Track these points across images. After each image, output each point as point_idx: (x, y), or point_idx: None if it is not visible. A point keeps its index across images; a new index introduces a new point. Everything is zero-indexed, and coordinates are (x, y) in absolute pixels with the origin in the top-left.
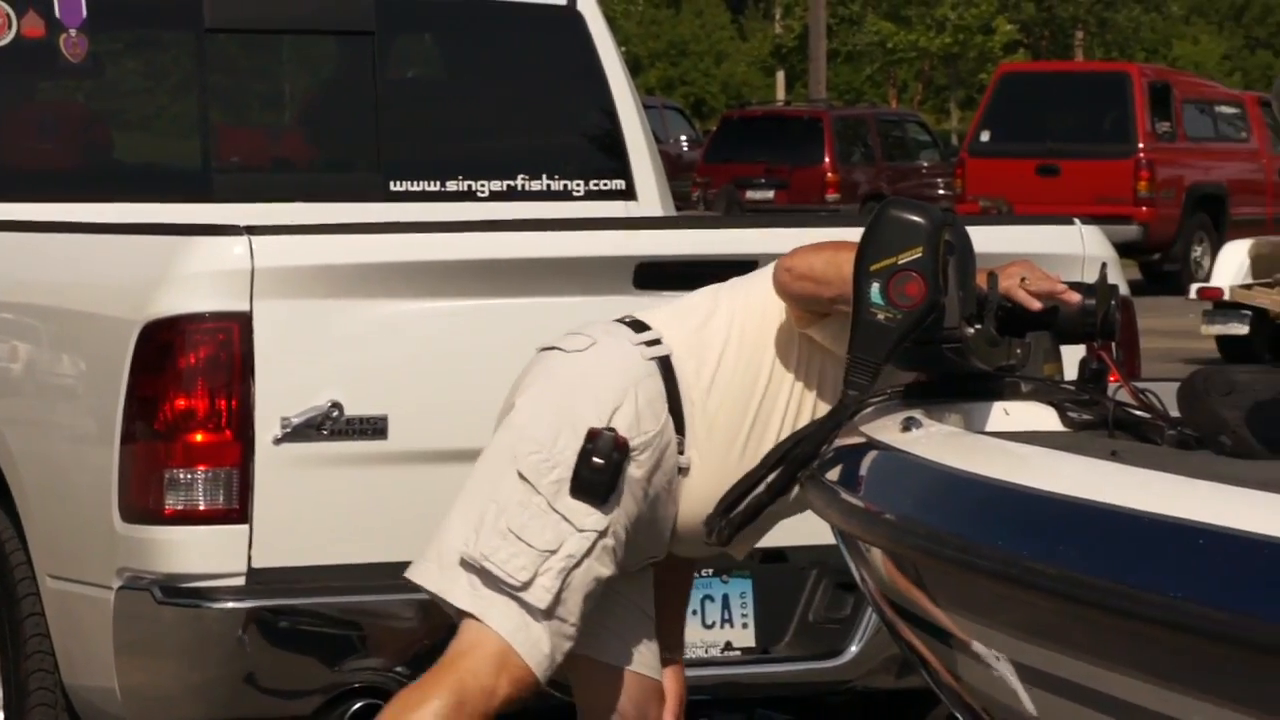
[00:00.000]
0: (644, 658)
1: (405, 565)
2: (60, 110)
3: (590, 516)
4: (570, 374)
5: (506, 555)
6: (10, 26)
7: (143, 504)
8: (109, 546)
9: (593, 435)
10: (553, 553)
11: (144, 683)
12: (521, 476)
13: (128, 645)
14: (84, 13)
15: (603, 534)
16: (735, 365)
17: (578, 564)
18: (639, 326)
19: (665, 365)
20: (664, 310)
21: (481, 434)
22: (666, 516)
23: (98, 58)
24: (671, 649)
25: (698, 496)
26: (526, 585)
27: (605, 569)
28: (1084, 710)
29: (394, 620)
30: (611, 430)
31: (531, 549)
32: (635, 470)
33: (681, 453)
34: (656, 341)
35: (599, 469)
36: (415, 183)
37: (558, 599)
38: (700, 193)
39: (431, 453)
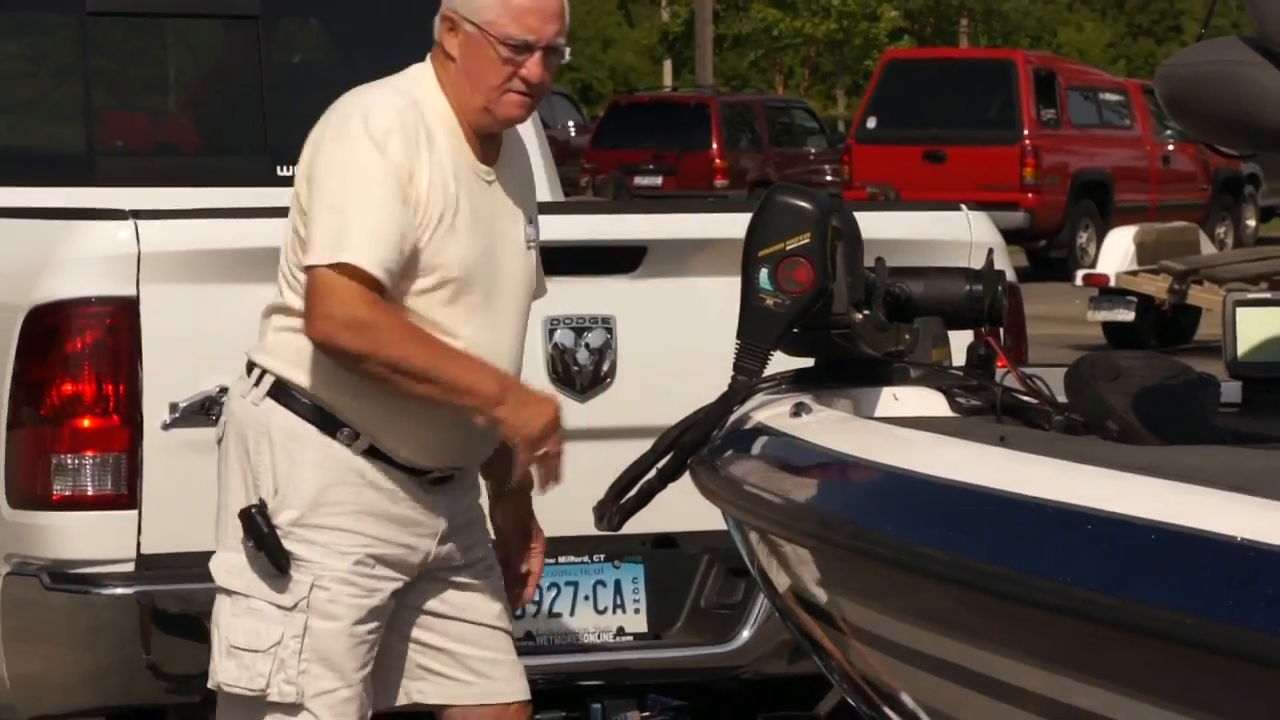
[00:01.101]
0: (477, 688)
1: None
2: None
3: (288, 589)
4: (223, 469)
5: (238, 673)
6: None
7: (30, 490)
8: None
9: (242, 519)
10: (278, 643)
11: (33, 670)
12: (226, 591)
13: (16, 631)
14: None
15: (311, 592)
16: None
17: (304, 635)
18: (250, 368)
19: (281, 391)
20: (265, 321)
21: None
22: (395, 504)
23: None
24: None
25: (419, 440)
26: (266, 688)
27: (350, 613)
28: (972, 694)
29: None
30: (255, 505)
31: (260, 653)
32: (295, 513)
33: (356, 439)
34: (261, 376)
35: (261, 545)
36: None
37: (305, 677)
38: (588, 179)
39: None
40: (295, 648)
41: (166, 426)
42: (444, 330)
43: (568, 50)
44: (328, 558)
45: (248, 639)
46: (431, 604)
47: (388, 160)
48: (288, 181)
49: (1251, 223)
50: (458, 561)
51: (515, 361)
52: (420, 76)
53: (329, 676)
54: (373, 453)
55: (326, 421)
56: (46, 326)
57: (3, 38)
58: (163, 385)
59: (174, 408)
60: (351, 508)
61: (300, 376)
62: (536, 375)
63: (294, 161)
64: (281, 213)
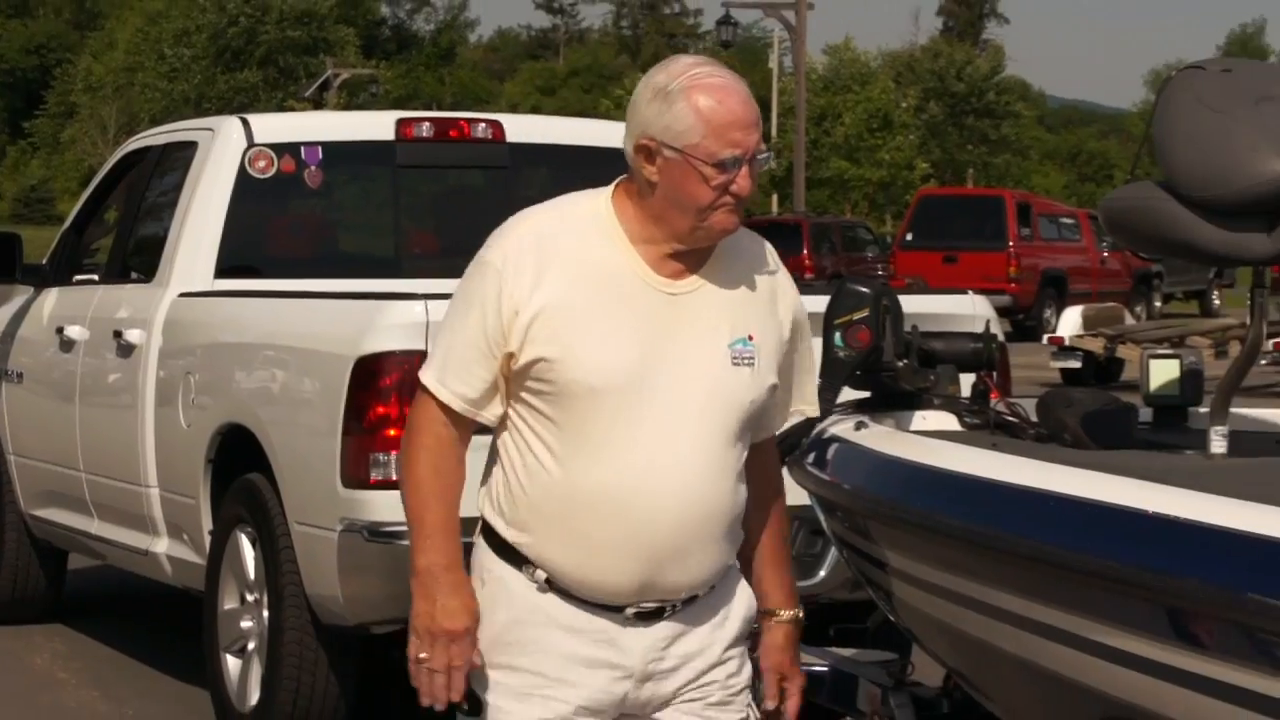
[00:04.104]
0: None
1: None
2: (304, 219)
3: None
4: None
5: None
6: (273, 165)
7: (356, 475)
8: (334, 504)
9: None
10: None
11: (357, 593)
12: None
13: (347, 568)
14: (320, 156)
15: None
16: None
17: None
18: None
19: (486, 527)
20: None
21: None
22: (582, 645)
23: (329, 184)
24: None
25: (593, 571)
26: None
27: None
28: (964, 610)
29: None
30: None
31: None
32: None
33: (536, 573)
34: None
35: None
36: None
37: None
38: None
39: None
40: None
41: None
42: (590, 437)
43: (769, 153)
44: (504, 699)
45: None
46: None
47: (483, 285)
48: None
49: (1158, 303)
50: (655, 704)
51: (705, 479)
52: (595, 195)
53: None
54: (556, 589)
55: (515, 558)
56: (369, 369)
57: (344, 183)
58: None
59: None
60: (534, 648)
61: (495, 510)
62: None
63: None
64: None
